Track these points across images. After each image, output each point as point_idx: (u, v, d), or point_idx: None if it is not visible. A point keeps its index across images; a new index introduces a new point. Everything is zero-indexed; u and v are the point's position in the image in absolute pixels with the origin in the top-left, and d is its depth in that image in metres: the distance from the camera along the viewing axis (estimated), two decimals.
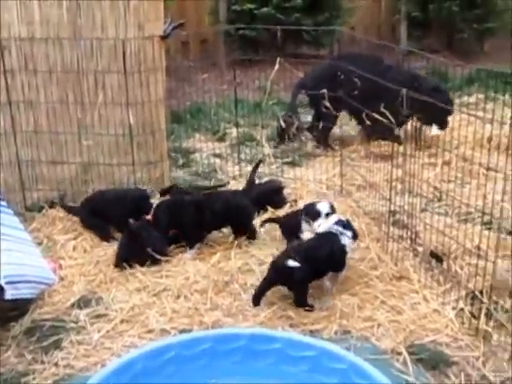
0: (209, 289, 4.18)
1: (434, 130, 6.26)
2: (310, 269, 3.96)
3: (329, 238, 4.18)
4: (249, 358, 3.30)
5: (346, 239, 4.19)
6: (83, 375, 3.45)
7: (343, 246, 4.17)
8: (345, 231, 4.21)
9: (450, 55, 10.53)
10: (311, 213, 4.58)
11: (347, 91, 5.42)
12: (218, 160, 6.55)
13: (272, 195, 5.38)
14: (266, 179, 5.82)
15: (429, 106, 4.34)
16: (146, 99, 5.31)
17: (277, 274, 4.01)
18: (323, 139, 6.75)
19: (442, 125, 6.27)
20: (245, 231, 4.78)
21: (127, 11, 5.13)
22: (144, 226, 4.74)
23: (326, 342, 3.37)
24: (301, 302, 3.97)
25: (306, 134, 6.95)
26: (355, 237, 4.29)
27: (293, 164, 6.38)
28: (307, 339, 3.39)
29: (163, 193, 5.33)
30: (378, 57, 6.74)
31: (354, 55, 6.84)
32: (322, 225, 4.34)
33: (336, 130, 6.44)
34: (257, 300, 4.01)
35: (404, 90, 4.10)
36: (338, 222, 4.25)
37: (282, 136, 6.87)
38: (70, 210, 5.22)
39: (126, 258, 4.52)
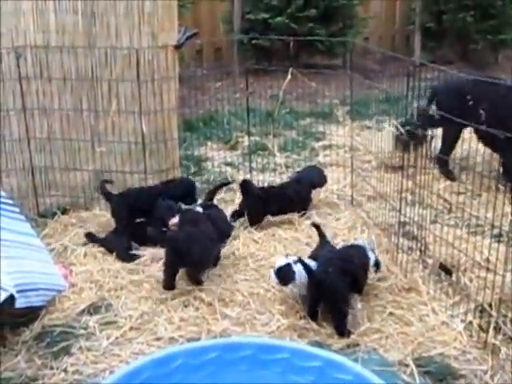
0: (216, 298, 4.20)
1: None
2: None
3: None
4: (256, 368, 3.31)
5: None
6: (92, 381, 3.48)
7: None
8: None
9: (464, 66, 10.52)
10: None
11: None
12: (229, 169, 6.58)
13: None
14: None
15: None
16: (159, 108, 5.35)
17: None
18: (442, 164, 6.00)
19: None
20: None
21: (141, 20, 5.19)
22: None
23: (333, 353, 3.38)
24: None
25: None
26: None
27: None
28: (314, 349, 3.39)
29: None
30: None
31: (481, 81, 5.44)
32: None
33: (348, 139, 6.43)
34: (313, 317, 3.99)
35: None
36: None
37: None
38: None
39: None
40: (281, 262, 4.08)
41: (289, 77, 5.66)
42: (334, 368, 3.21)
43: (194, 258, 4.25)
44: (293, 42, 8.97)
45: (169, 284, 4.29)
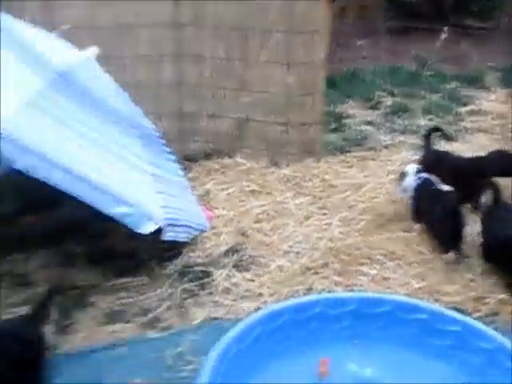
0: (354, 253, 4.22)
1: None
2: None
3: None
4: (392, 325, 3.31)
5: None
6: (227, 319, 3.60)
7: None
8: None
9: None
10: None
11: None
12: (369, 128, 6.49)
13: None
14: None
15: None
16: (308, 60, 5.33)
17: None
18: None
19: None
20: None
21: None
22: None
23: (474, 320, 3.32)
24: None
25: None
26: None
27: (447, 138, 6.17)
28: (454, 314, 3.35)
29: None
30: None
31: None
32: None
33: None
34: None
35: None
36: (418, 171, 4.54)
37: None
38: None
39: None
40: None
41: (442, 37, 5.47)
42: (473, 335, 3.16)
43: None
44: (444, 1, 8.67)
45: None
